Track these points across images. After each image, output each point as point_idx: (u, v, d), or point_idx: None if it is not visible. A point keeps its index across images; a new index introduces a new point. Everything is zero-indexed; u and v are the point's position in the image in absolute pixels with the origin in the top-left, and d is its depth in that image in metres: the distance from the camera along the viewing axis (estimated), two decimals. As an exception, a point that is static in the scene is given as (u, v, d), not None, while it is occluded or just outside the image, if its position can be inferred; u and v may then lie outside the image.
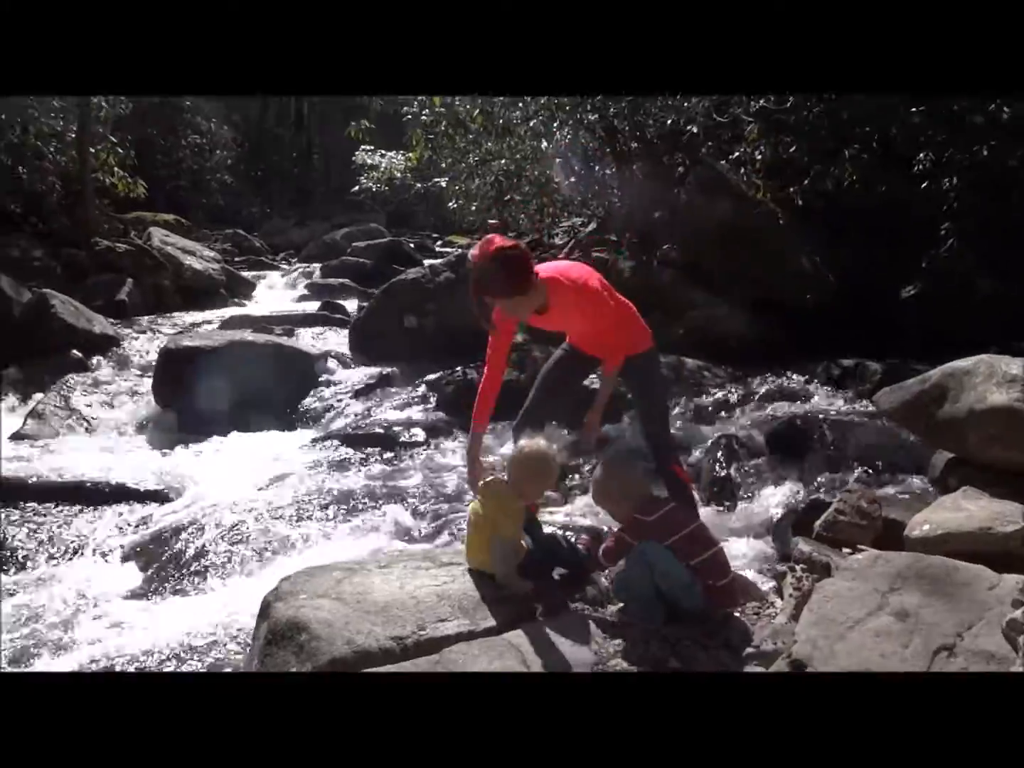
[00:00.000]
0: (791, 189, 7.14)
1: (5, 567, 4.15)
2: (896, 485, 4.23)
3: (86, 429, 6.60)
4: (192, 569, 4.09)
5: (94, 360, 8.04)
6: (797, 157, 7.03)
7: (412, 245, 15.89)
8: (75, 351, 7.97)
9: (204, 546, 4.30)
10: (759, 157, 7.14)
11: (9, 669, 2.99)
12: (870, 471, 4.47)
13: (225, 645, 3.28)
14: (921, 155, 6.26)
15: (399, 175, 11.56)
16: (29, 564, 4.19)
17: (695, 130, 7.55)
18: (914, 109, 6.37)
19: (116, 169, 13.07)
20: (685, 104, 7.57)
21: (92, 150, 12.45)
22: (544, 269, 2.92)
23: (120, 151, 13.11)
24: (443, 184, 10.95)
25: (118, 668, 3.14)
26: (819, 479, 4.48)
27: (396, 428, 6.08)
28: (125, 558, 4.27)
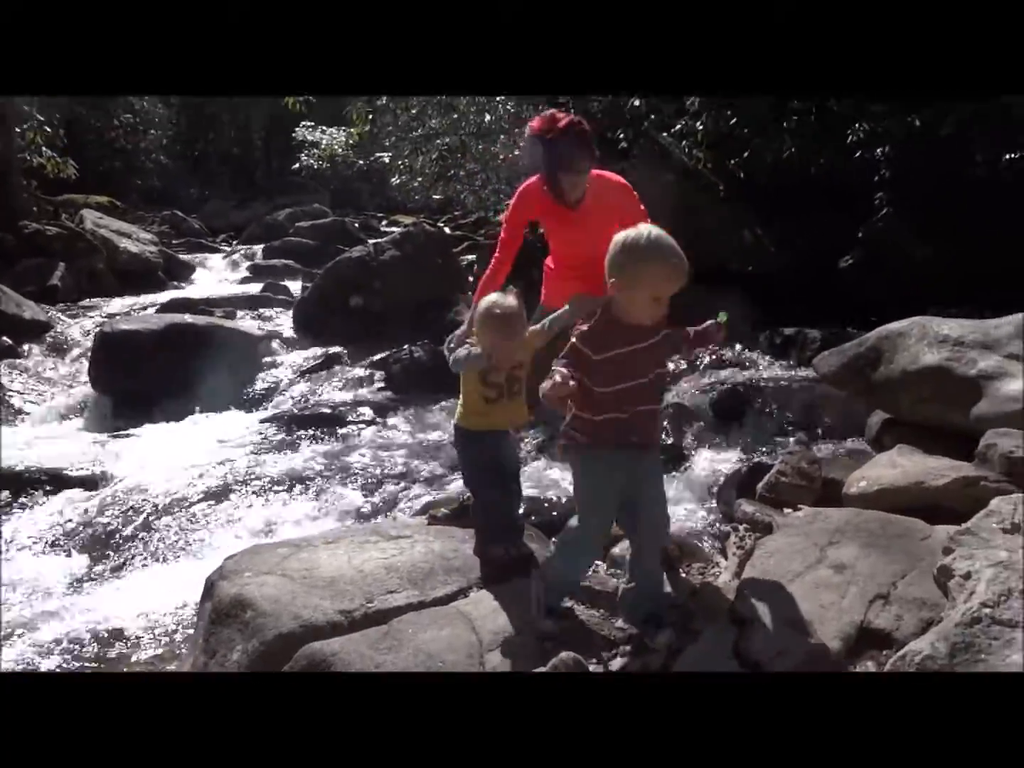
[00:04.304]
0: (732, 161, 7.21)
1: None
2: (835, 446, 4.35)
3: (17, 416, 6.38)
4: (133, 553, 3.99)
5: (25, 347, 7.77)
6: (738, 130, 7.10)
7: (356, 225, 15.65)
8: (4, 338, 7.67)
9: (145, 530, 4.20)
10: (700, 129, 7.18)
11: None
12: (810, 434, 4.58)
13: (170, 628, 3.21)
14: (856, 125, 6.37)
15: (341, 151, 11.33)
16: (-40, 556, 4.04)
17: (637, 103, 7.56)
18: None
19: (44, 149, 12.54)
20: (627, 77, 7.56)
21: (18, 129, 11.94)
22: None
23: (48, 130, 12.58)
24: (386, 160, 10.78)
25: (58, 656, 3.05)
26: (761, 443, 4.58)
27: (343, 408, 6.01)
28: (62, 545, 4.14)
